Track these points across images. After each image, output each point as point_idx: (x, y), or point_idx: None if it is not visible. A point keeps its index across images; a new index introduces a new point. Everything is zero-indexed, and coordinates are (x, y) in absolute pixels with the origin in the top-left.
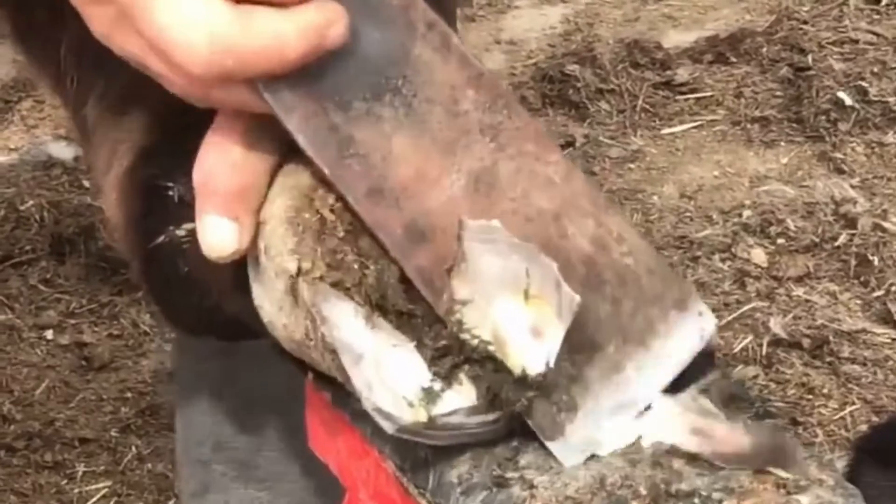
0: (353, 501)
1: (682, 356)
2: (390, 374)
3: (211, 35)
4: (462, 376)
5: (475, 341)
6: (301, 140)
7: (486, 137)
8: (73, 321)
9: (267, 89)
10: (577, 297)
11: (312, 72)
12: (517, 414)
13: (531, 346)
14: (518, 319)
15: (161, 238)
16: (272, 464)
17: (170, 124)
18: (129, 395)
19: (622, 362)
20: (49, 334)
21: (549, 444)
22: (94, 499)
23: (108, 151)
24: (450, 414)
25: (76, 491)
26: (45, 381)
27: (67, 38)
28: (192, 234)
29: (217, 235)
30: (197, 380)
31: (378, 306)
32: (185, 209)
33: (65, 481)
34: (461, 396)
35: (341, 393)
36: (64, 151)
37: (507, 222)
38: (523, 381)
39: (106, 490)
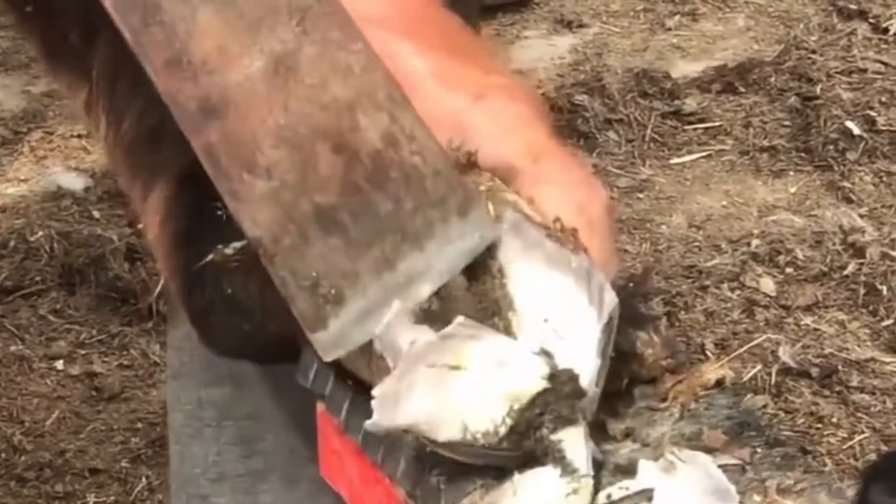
0: None
1: (458, 261)
2: None
3: None
4: None
5: None
6: (108, 4)
7: (293, 20)
8: (83, 352)
9: None
10: None
11: None
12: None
13: None
14: None
15: (209, 257)
16: (276, 489)
17: None
18: (139, 425)
19: (395, 261)
20: (59, 365)
21: (309, 336)
22: None
23: (148, 173)
24: None
25: None
26: (55, 411)
27: (99, 61)
28: (240, 252)
29: None
30: (197, 409)
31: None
32: (233, 228)
33: None
34: None
35: (353, 419)
36: (73, 182)
37: (301, 109)
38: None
39: None
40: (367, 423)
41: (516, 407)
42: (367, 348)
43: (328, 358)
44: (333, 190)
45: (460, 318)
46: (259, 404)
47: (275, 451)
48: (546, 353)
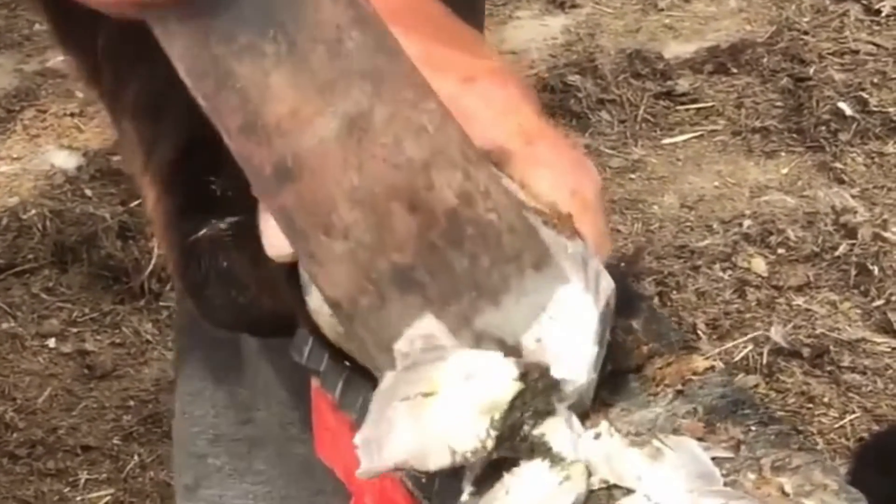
0: None
1: (533, 315)
2: None
3: None
4: None
5: None
6: (181, 69)
7: (366, 81)
8: (75, 330)
9: (153, 16)
10: None
11: (199, 3)
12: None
13: None
14: None
15: (203, 231)
16: (270, 459)
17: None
18: (131, 403)
19: (472, 317)
20: (51, 343)
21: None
22: None
23: (148, 146)
24: None
25: (79, 499)
26: (47, 389)
27: (105, 32)
28: (235, 227)
29: (280, 235)
30: (201, 369)
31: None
32: (228, 203)
33: (67, 489)
34: None
35: (348, 395)
36: (66, 161)
37: (375, 169)
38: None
39: (108, 498)
40: (358, 473)
41: (497, 417)
42: None
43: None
44: (410, 249)
45: (419, 343)
46: (260, 372)
47: (273, 419)
48: (515, 351)
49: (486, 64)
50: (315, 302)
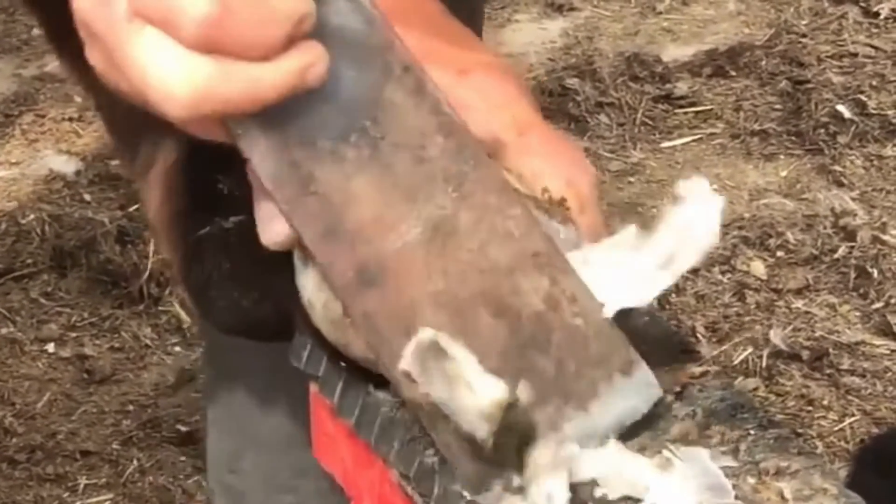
0: None
1: (623, 421)
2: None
3: (189, 86)
4: None
5: None
6: (262, 174)
7: (450, 186)
8: (74, 334)
9: (234, 122)
10: None
11: (280, 107)
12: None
13: None
14: None
15: (207, 229)
16: (293, 496)
17: None
18: (130, 407)
19: (560, 423)
20: (50, 347)
21: (473, 497)
22: None
23: (151, 148)
24: None
25: (78, 503)
26: (46, 393)
27: None
28: (239, 226)
29: (276, 223)
30: (223, 399)
31: None
32: (233, 202)
33: (67, 494)
34: None
35: (346, 401)
36: (65, 165)
37: (460, 274)
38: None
39: (108, 502)
40: None
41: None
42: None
43: None
44: (496, 354)
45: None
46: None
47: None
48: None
49: (482, 57)
50: (309, 295)
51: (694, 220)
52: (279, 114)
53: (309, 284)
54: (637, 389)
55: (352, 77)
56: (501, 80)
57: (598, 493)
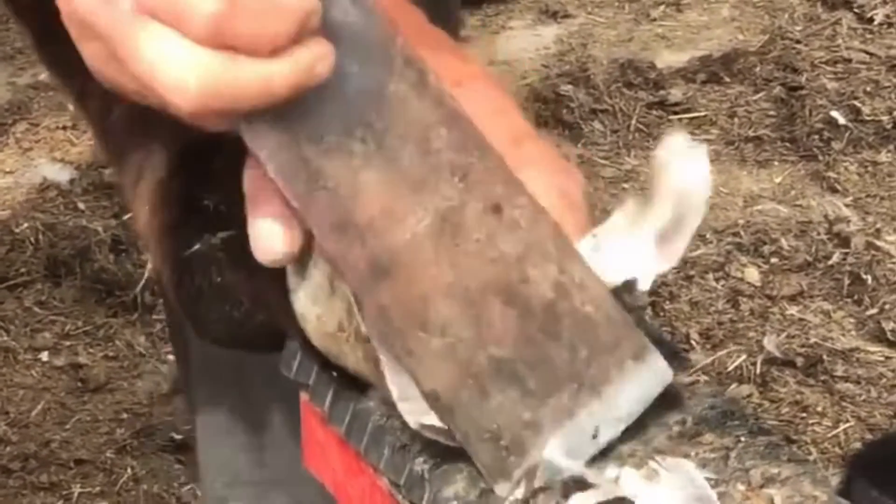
0: None
1: (636, 406)
2: None
3: (199, 79)
4: None
5: None
6: (271, 170)
7: (456, 177)
8: (68, 343)
9: (242, 119)
10: None
11: (287, 103)
12: None
13: None
14: None
15: (196, 246)
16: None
17: (203, 134)
18: (124, 416)
19: (575, 409)
20: (45, 356)
21: (492, 485)
22: None
23: (139, 161)
24: None
25: None
26: (40, 402)
27: None
28: (228, 242)
29: (270, 240)
30: (217, 411)
31: None
32: (221, 218)
33: (61, 502)
34: None
35: (337, 409)
36: (59, 174)
37: (469, 265)
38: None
39: None
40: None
41: None
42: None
43: None
44: (508, 342)
45: None
46: (270, 408)
47: (285, 457)
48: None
49: (472, 68)
50: (302, 308)
51: (685, 177)
52: (286, 110)
53: (302, 298)
54: (649, 374)
55: (355, 72)
56: (494, 91)
57: None
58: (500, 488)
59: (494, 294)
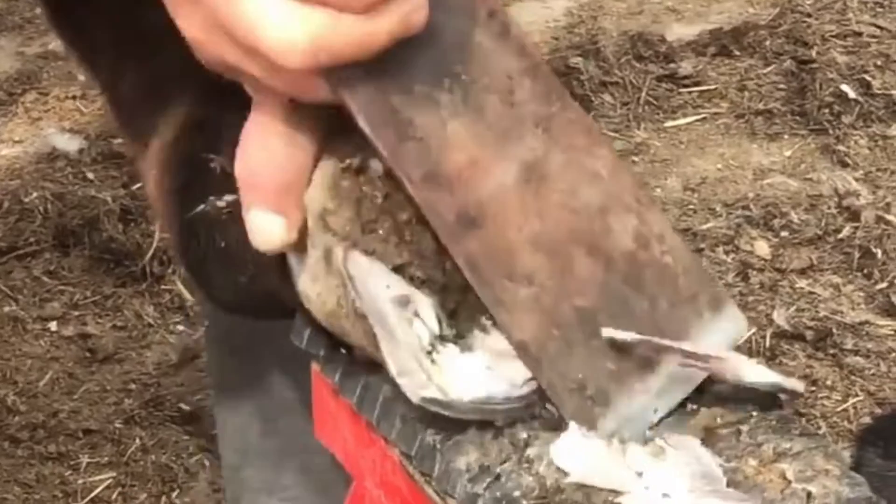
0: (359, 490)
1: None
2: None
3: (307, 34)
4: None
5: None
6: (362, 121)
7: (539, 128)
8: (76, 313)
9: (335, 73)
10: None
11: (378, 56)
12: (542, 397)
13: None
14: None
15: (201, 207)
16: (295, 473)
17: (211, 98)
18: (132, 386)
19: (656, 359)
20: (53, 326)
21: (581, 437)
22: (98, 490)
23: (148, 126)
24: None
25: (80, 482)
26: (48, 372)
27: (103, 15)
28: (232, 205)
29: (266, 230)
30: (231, 381)
31: (412, 276)
32: (227, 181)
33: (69, 472)
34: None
35: (348, 380)
36: (68, 143)
37: (554, 215)
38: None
39: (110, 481)
40: None
41: None
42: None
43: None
44: (592, 293)
45: None
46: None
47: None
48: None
49: None
50: (303, 287)
51: None
52: (377, 63)
53: (301, 274)
54: (727, 325)
55: (441, 23)
56: None
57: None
58: (588, 437)
59: (578, 244)
